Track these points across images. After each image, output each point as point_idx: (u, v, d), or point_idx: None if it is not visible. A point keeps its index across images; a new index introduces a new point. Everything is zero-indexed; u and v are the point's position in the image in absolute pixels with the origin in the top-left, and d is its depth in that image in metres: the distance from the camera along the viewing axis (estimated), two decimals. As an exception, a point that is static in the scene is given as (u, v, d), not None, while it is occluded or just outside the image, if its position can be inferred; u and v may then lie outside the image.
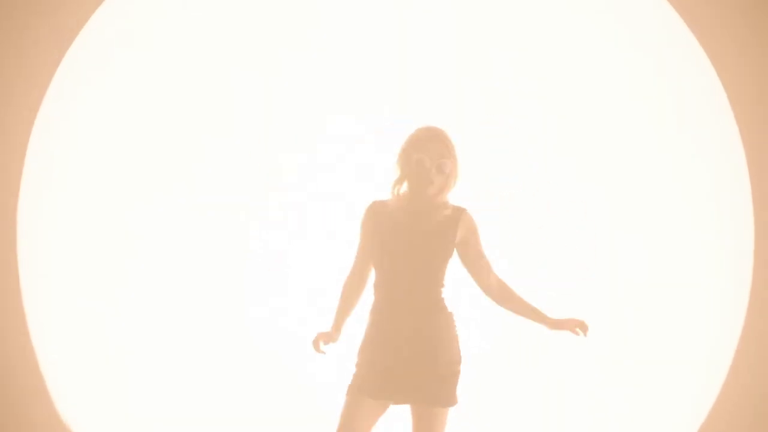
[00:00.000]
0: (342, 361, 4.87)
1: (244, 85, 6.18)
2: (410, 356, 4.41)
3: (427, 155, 4.42)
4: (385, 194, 4.54)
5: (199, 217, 6.17)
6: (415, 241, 4.45)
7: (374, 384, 4.43)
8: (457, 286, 4.63)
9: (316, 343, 4.53)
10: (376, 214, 4.50)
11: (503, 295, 4.56)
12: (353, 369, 4.52)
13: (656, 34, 6.23)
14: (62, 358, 6.10)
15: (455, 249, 4.50)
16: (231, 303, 6.15)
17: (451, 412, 4.51)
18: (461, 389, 4.53)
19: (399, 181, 4.48)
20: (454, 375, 4.47)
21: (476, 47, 6.19)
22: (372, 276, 4.55)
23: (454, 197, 4.54)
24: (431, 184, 4.42)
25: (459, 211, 4.50)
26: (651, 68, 6.21)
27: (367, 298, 4.56)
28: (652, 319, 6.18)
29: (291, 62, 6.18)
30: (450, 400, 4.47)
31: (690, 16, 6.12)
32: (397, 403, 4.46)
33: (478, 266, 4.53)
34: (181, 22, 6.16)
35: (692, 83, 6.21)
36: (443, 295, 4.51)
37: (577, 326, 4.55)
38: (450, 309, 4.52)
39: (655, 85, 6.21)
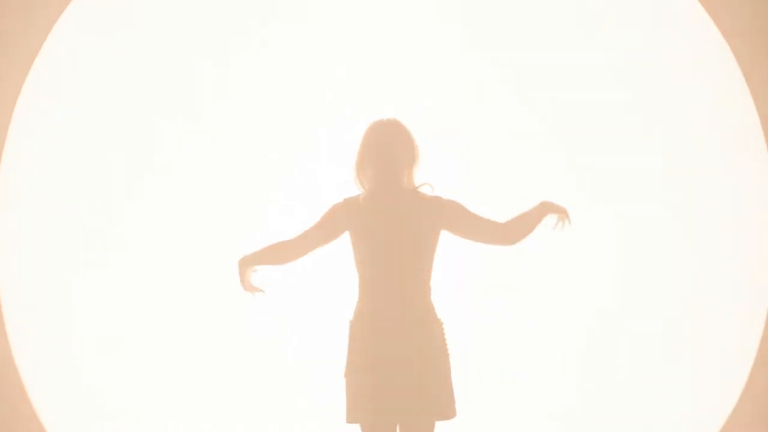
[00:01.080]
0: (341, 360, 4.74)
1: (242, 83, 6.19)
2: (401, 378, 4.37)
3: (386, 140, 4.44)
4: (355, 192, 4.52)
5: (192, 215, 6.19)
6: (396, 243, 4.42)
7: (369, 413, 4.39)
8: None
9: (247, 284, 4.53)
10: (349, 213, 4.46)
11: (515, 230, 4.50)
12: (343, 394, 4.46)
13: (683, 34, 6.21)
14: (41, 359, 6.15)
15: (444, 234, 4.47)
16: (221, 302, 6.11)
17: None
18: (458, 394, 4.49)
19: (360, 166, 4.46)
20: (446, 388, 4.44)
21: (476, 47, 6.18)
22: (356, 285, 4.48)
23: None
24: (395, 165, 4.42)
25: (435, 201, 4.47)
26: (671, 66, 6.18)
27: (350, 306, 4.50)
28: (670, 325, 6.18)
29: (289, 62, 6.19)
30: (448, 413, 4.44)
31: (715, 14, 6.09)
32: (397, 423, 4.42)
33: (481, 230, 4.49)
34: (174, 19, 6.18)
35: (715, 83, 6.18)
36: (432, 301, 4.46)
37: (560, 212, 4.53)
38: (440, 317, 4.47)
39: (675, 86, 6.19)
